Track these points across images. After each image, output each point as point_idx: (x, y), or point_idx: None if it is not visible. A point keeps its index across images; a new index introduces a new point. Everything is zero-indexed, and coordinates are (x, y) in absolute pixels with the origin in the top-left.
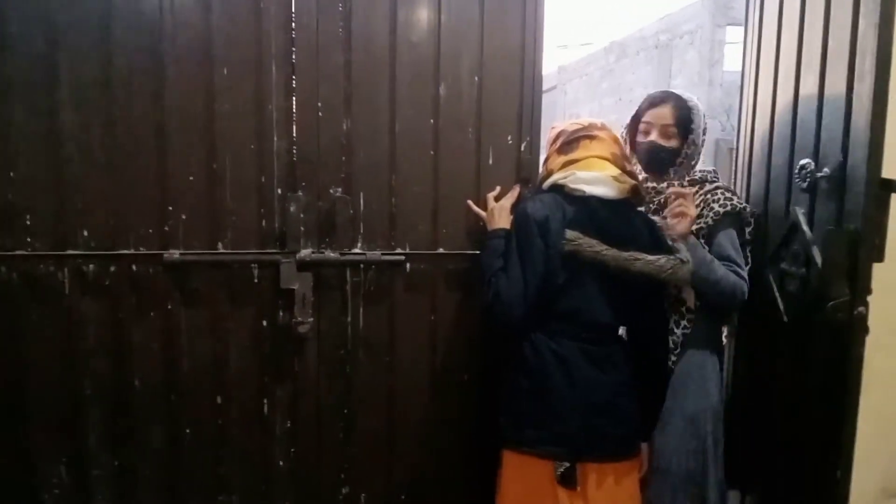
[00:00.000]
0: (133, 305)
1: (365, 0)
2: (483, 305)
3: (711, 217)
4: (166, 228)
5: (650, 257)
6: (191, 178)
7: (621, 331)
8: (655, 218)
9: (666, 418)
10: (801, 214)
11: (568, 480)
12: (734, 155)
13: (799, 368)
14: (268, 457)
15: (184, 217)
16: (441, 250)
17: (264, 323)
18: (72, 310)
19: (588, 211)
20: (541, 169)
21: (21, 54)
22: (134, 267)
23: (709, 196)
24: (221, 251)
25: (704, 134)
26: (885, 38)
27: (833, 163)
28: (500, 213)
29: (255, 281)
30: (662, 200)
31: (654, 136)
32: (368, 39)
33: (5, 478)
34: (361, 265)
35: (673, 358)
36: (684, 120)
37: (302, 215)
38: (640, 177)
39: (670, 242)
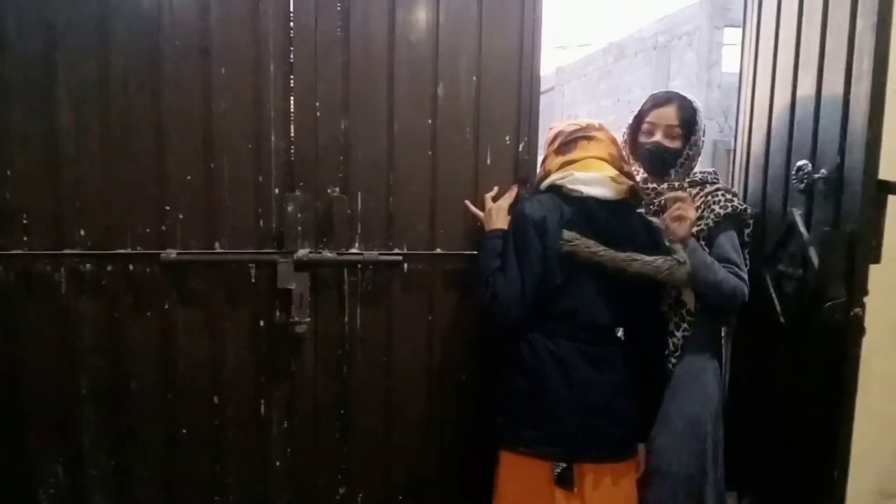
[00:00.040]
0: (130, 305)
1: (363, 0)
2: (480, 306)
3: (712, 219)
4: (163, 228)
5: (647, 258)
6: (188, 177)
7: (619, 331)
8: (655, 220)
9: (666, 420)
10: (798, 215)
11: (565, 481)
12: (732, 156)
13: (796, 369)
14: (265, 457)
15: (181, 216)
16: (439, 250)
17: (261, 323)
18: (69, 309)
19: (585, 211)
20: (539, 169)
21: (19, 54)
22: (131, 266)
23: (709, 198)
24: (219, 251)
25: (703, 135)
26: (882, 39)
27: (830, 164)
28: (497, 214)
29: (253, 281)
30: (663, 202)
31: (658, 137)
32: (367, 39)
33: (2, 477)
34: (359, 265)
35: (673, 360)
36: (689, 121)
37: (299, 215)
38: (640, 177)
39: (668, 244)
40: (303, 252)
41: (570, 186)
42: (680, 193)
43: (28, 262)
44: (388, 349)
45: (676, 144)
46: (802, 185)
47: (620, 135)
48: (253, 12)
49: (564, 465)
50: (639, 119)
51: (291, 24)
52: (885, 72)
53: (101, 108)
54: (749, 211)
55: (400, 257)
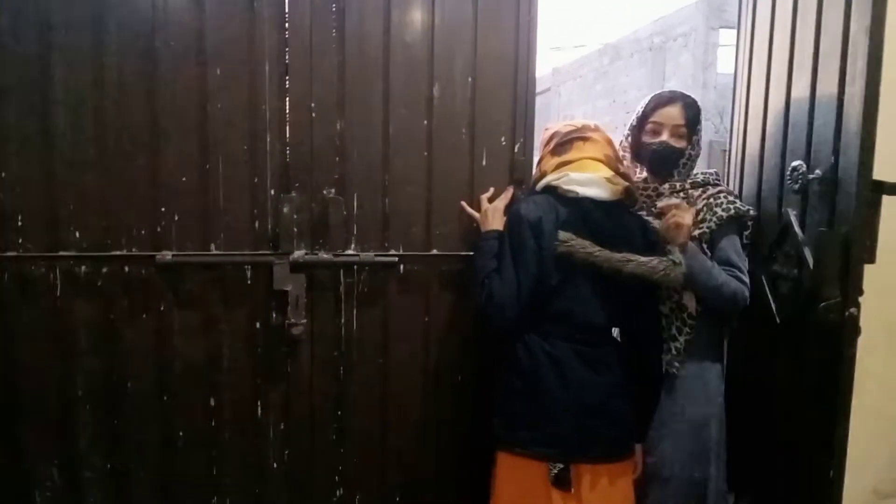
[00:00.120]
0: (125, 307)
1: (358, 1)
2: (476, 306)
3: (714, 221)
4: (159, 230)
5: (642, 259)
6: (183, 178)
7: (614, 332)
8: (655, 221)
9: (669, 424)
10: (793, 216)
11: (562, 482)
12: (727, 157)
13: (793, 369)
14: (261, 458)
15: (176, 218)
16: (434, 251)
17: (257, 324)
18: (64, 311)
19: (581, 212)
20: (534, 170)
21: (14, 54)
22: (126, 268)
23: (711, 200)
24: (214, 252)
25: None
26: (876, 40)
27: (825, 165)
28: (493, 215)
29: (249, 282)
30: (660, 208)
31: (665, 137)
32: (362, 40)
33: None
34: (355, 266)
35: (676, 364)
36: (693, 120)
37: (295, 216)
38: (641, 177)
39: (667, 249)
40: (299, 253)
41: (565, 187)
42: (674, 200)
43: (23, 264)
44: (385, 350)
45: (682, 144)
46: (797, 186)
47: (619, 136)
48: (248, 13)
49: (561, 466)
50: (642, 119)
51: (286, 25)
52: (878, 73)
53: (96, 110)
54: (751, 213)
55: (396, 258)
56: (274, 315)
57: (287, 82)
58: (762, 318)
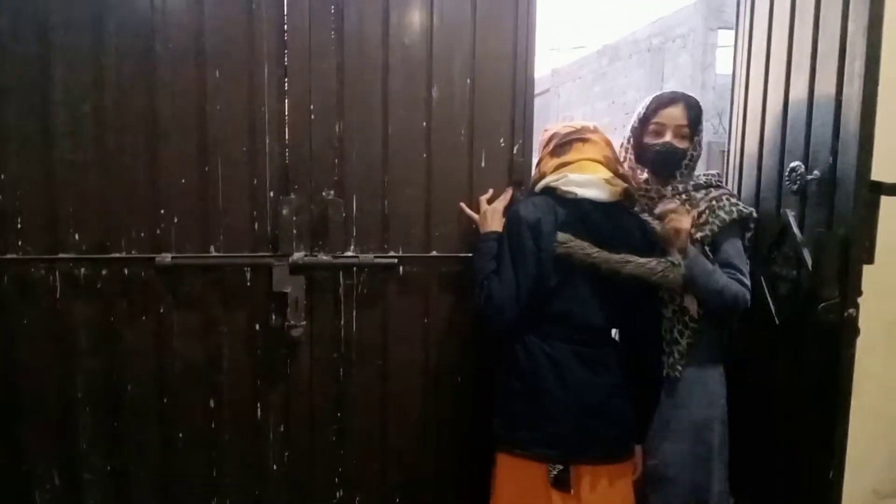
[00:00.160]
0: (125, 309)
1: (357, 2)
2: (476, 308)
3: (717, 224)
4: (158, 232)
5: (641, 260)
6: (183, 180)
7: (613, 333)
8: (655, 222)
9: (672, 426)
10: (791, 217)
11: (561, 483)
12: (725, 158)
13: (792, 370)
14: (261, 460)
15: (176, 220)
16: (434, 253)
17: (257, 326)
18: (64, 313)
19: (580, 213)
20: (534, 171)
21: (13, 55)
22: (126, 270)
23: (714, 202)
24: (214, 254)
25: None
26: (873, 41)
27: (823, 165)
28: (492, 216)
29: (248, 284)
30: (659, 213)
31: (668, 137)
32: (361, 41)
33: None
34: (354, 268)
35: (679, 368)
36: (695, 120)
37: (294, 218)
38: (642, 177)
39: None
40: (298, 255)
41: (564, 188)
42: (671, 205)
43: (22, 266)
44: (384, 352)
45: (684, 145)
46: (796, 187)
47: (618, 137)
48: (247, 14)
49: (561, 467)
50: (644, 121)
51: (285, 26)
52: (876, 73)
53: (95, 111)
54: (754, 215)
55: (395, 260)
56: (273, 317)
57: (286, 84)
58: (761, 318)
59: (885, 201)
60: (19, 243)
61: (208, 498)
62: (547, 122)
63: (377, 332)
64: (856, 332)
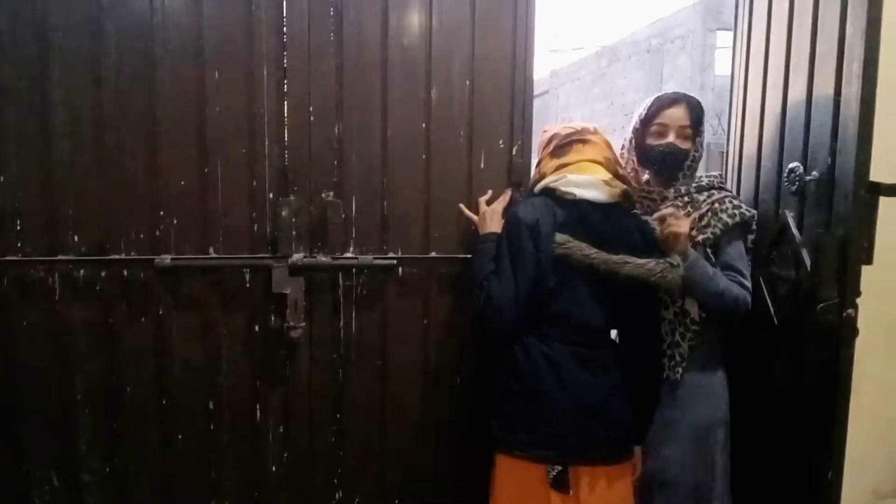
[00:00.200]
0: (124, 311)
1: (356, 4)
2: (475, 309)
3: (720, 227)
4: (157, 233)
5: (639, 261)
6: (182, 182)
7: (612, 334)
8: (655, 223)
9: (674, 429)
10: (790, 218)
11: (560, 484)
12: (724, 158)
13: (791, 370)
14: (261, 461)
15: (175, 222)
16: (433, 254)
17: (256, 327)
18: (63, 315)
19: (579, 214)
20: (533, 172)
21: (12, 56)
22: (125, 272)
23: (717, 205)
24: (213, 256)
25: None
26: (872, 42)
27: (822, 166)
28: (491, 217)
29: (247, 286)
30: (657, 218)
31: (671, 138)
32: (360, 43)
33: None
34: (353, 269)
35: (680, 370)
36: (697, 121)
37: (294, 219)
38: (644, 178)
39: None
40: (297, 257)
41: (563, 189)
42: (668, 210)
43: (22, 268)
44: (383, 353)
45: (687, 145)
46: (794, 188)
47: (617, 138)
48: (246, 16)
49: (560, 468)
50: (646, 122)
51: (285, 28)
52: (875, 74)
53: (94, 112)
54: (755, 216)
55: (394, 261)
56: (273, 318)
57: (285, 85)
58: (761, 319)
59: (884, 202)
60: (19, 245)
61: (207, 499)
62: (546, 124)
63: (376, 333)
64: (855, 332)
